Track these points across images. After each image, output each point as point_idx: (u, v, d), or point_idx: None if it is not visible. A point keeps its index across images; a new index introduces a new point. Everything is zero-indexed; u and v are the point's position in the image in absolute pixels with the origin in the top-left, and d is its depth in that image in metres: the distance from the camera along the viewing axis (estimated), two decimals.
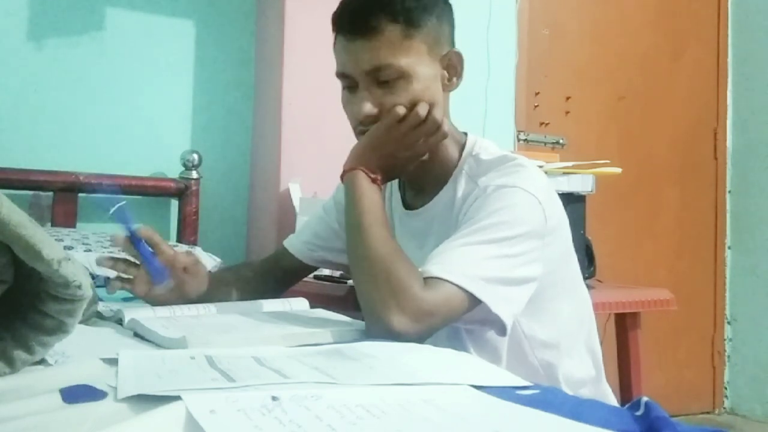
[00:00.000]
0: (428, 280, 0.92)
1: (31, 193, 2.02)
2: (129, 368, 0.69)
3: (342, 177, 1.07)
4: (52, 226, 1.99)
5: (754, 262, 3.25)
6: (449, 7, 1.11)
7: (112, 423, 0.52)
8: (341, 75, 1.09)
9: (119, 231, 1.07)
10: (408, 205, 1.18)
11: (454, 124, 1.15)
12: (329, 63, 2.40)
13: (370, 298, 0.93)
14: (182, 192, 2.18)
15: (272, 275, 1.33)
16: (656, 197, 3.18)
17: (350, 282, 1.75)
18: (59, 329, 0.71)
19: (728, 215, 3.35)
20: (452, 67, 1.09)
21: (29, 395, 0.60)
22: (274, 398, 0.57)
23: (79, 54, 2.15)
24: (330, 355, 0.77)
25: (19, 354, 0.69)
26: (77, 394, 0.61)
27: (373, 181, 1.03)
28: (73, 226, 2.03)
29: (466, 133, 1.15)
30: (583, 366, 1.14)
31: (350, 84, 1.08)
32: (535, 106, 2.84)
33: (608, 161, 1.81)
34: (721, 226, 3.33)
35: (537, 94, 2.85)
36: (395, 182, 1.22)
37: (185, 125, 2.29)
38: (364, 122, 1.06)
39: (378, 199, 1.03)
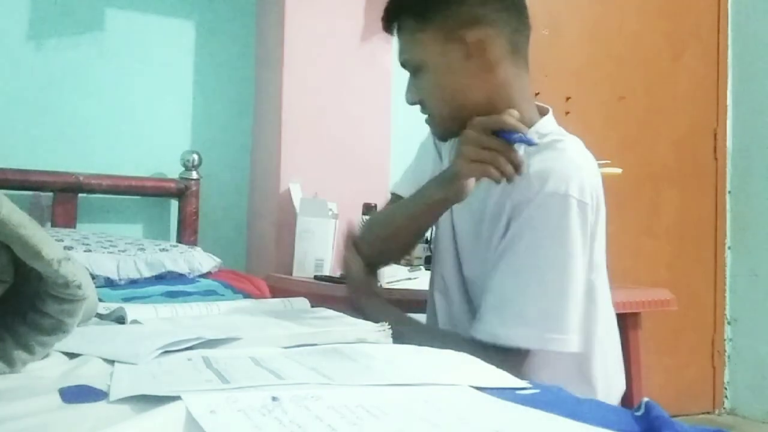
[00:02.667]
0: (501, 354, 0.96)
1: (31, 193, 2.02)
2: (124, 370, 0.69)
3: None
4: (52, 226, 1.99)
5: (754, 262, 3.24)
6: None
7: (112, 423, 0.51)
8: None
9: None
10: None
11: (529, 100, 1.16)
12: (329, 63, 2.41)
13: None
14: (182, 192, 2.18)
15: None
16: (656, 197, 3.18)
17: None
18: (59, 329, 0.71)
19: (728, 215, 3.34)
20: (480, 44, 1.07)
21: (29, 395, 0.60)
22: (274, 398, 0.57)
23: (79, 54, 2.14)
24: (328, 355, 0.77)
25: (19, 354, 0.69)
26: (77, 394, 0.61)
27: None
28: (73, 226, 2.03)
29: (548, 110, 1.17)
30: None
31: None
32: None
33: (608, 161, 1.81)
34: (721, 226, 3.33)
35: (537, 94, 2.84)
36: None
37: (185, 125, 2.29)
38: (418, 108, 1.14)
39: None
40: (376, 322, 0.99)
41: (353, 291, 1.20)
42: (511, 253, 1.01)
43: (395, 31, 1.12)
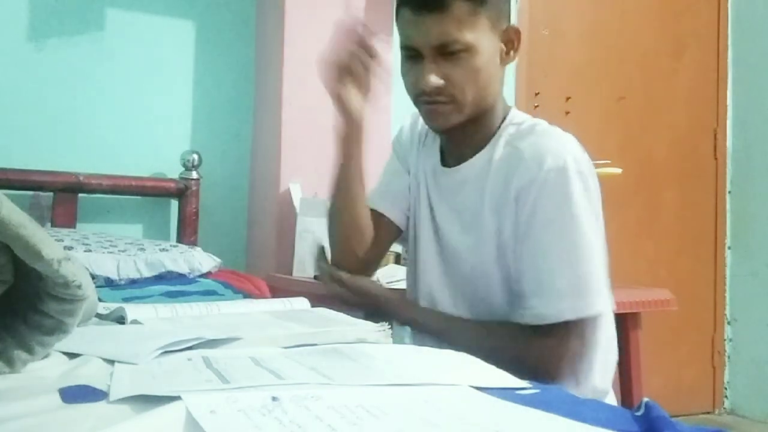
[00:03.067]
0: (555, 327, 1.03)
1: (31, 193, 2.02)
2: (124, 370, 0.69)
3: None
4: (52, 226, 1.99)
5: (754, 262, 3.24)
6: None
7: (112, 423, 0.51)
8: (406, 47, 1.13)
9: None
10: (445, 162, 1.22)
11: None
12: None
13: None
14: (182, 192, 2.18)
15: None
16: (656, 197, 3.18)
17: None
18: (59, 329, 0.71)
19: (728, 215, 3.34)
20: (510, 42, 1.14)
21: (29, 395, 0.60)
22: (274, 398, 0.57)
23: (79, 54, 2.14)
24: (328, 355, 0.77)
25: (19, 354, 0.69)
26: (77, 394, 0.60)
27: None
28: (73, 226, 2.03)
29: (511, 107, 1.21)
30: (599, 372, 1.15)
31: (414, 55, 1.12)
32: (535, 106, 2.84)
33: (608, 161, 1.82)
34: (721, 226, 3.33)
35: (537, 94, 2.85)
36: (433, 135, 1.25)
37: (185, 125, 2.29)
38: (430, 93, 1.11)
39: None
40: (427, 328, 1.09)
41: (390, 306, 1.21)
42: (531, 235, 1.06)
43: (434, 10, 1.07)
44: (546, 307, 1.04)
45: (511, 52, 1.15)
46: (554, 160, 1.05)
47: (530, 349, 1.04)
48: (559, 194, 1.05)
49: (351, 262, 1.26)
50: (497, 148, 1.13)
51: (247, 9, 2.39)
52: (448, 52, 1.08)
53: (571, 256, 1.04)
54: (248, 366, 0.71)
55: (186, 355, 0.76)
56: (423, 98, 1.12)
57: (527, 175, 1.06)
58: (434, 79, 1.09)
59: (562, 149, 1.07)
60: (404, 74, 1.15)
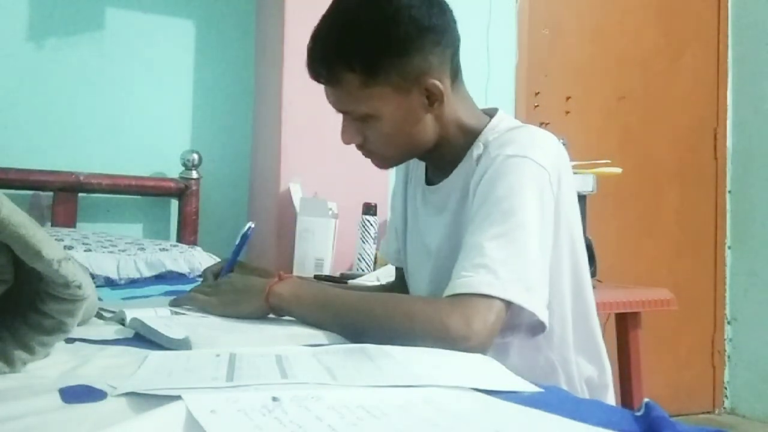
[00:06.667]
0: (464, 298, 0.90)
1: (31, 193, 2.02)
2: (150, 366, 0.69)
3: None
4: (52, 226, 1.99)
5: (754, 261, 3.25)
6: (432, 34, 1.03)
7: (112, 423, 0.51)
8: None
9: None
10: (429, 181, 1.20)
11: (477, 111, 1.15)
12: None
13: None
14: (182, 192, 2.18)
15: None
16: (656, 197, 3.18)
17: (350, 282, 1.74)
18: (59, 329, 0.71)
19: (728, 215, 3.35)
20: (431, 95, 1.05)
21: (29, 395, 0.60)
22: (274, 399, 0.57)
23: (79, 54, 2.15)
24: (351, 355, 0.77)
25: (19, 354, 0.69)
26: (77, 394, 0.60)
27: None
28: (73, 226, 2.03)
29: (496, 110, 1.15)
30: (593, 367, 1.13)
31: None
32: (535, 106, 2.84)
33: (608, 161, 1.81)
34: (721, 226, 3.33)
35: (537, 94, 2.85)
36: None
37: (185, 125, 2.29)
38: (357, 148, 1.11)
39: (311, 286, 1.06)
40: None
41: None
42: (475, 215, 0.99)
43: (326, 82, 1.05)
44: (467, 277, 0.91)
45: (436, 104, 1.05)
46: (515, 149, 1.00)
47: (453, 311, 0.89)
48: (510, 177, 0.98)
49: None
50: (475, 155, 1.08)
51: (247, 8, 2.39)
52: (354, 118, 1.06)
53: (507, 238, 0.94)
54: (267, 364, 0.70)
55: (215, 351, 0.76)
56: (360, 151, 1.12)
57: (487, 163, 1.01)
58: (348, 139, 1.08)
59: (530, 143, 1.02)
60: None
